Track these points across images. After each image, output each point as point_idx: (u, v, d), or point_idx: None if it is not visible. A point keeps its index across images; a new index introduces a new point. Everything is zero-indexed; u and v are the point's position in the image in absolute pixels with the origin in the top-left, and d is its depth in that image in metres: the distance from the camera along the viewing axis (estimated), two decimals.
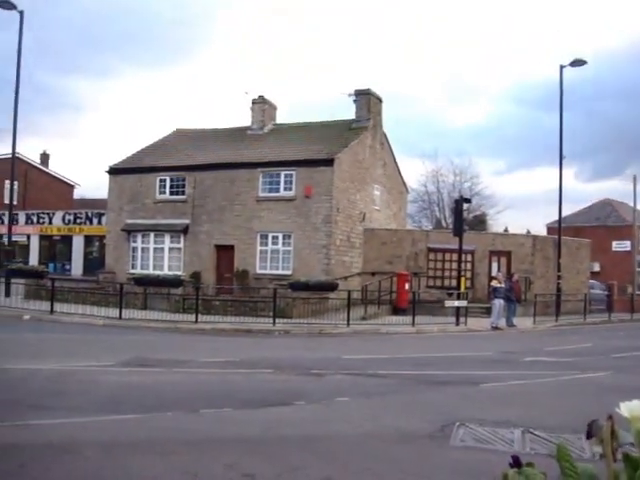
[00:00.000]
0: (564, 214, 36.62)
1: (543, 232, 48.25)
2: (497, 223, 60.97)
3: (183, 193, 34.44)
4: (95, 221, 42.75)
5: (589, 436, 1.50)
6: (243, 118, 49.76)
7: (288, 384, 12.07)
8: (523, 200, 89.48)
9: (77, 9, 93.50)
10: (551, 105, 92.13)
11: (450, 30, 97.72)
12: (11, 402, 8.72)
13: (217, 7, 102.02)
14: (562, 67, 33.14)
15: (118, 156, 39.25)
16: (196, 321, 23.58)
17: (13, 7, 22.89)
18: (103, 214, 40.10)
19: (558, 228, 34.43)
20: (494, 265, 34.62)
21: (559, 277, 33.00)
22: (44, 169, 54.50)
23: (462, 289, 27.92)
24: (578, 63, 32.86)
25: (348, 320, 24.86)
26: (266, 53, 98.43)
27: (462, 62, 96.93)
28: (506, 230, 51.72)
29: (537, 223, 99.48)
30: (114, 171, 36.57)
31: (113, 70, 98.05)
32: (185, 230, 34.20)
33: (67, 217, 43.97)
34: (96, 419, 8.36)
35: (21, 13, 23.12)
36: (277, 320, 24.24)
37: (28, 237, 44.38)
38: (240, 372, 13.28)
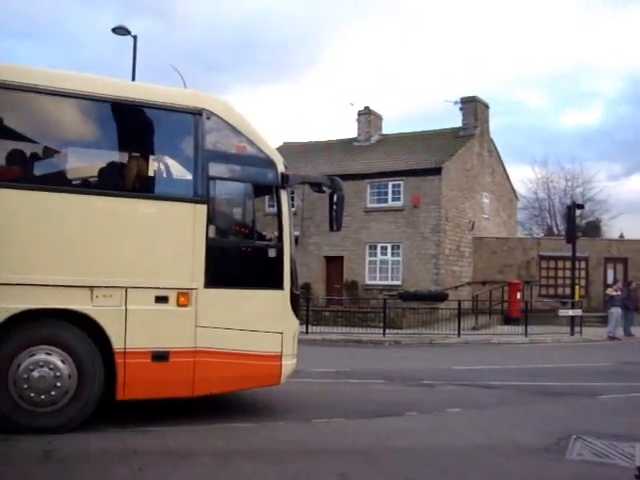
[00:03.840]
0: None
1: None
2: (612, 229, 58.96)
3: (292, 206, 34.68)
4: None
5: None
6: (349, 130, 49.95)
7: (399, 395, 12.03)
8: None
9: (194, 33, 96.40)
10: None
11: (558, 31, 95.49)
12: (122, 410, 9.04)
13: (324, 28, 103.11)
14: None
15: None
16: (306, 332, 23.82)
17: (127, 32, 23.76)
18: None
19: None
20: (610, 272, 33.59)
21: None
22: None
23: (576, 297, 27.19)
24: None
25: (459, 330, 24.60)
26: (371, 64, 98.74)
27: (573, 64, 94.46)
28: (622, 236, 49.87)
29: None
30: None
31: (229, 88, 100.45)
32: (295, 242, 34.47)
33: None
34: (211, 427, 8.57)
35: (135, 38, 23.96)
36: (387, 330, 24.26)
37: None
38: (351, 382, 13.34)
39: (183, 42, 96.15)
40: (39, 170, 8.67)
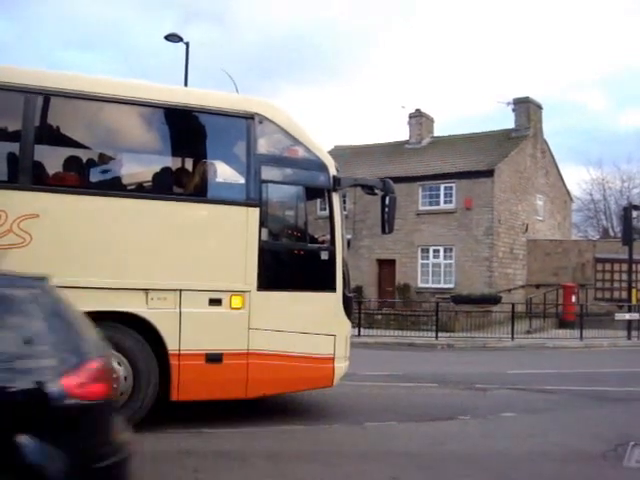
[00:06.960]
0: None
1: None
2: None
3: (344, 208, 34.63)
4: None
5: None
6: (401, 132, 49.70)
7: (452, 398, 11.95)
8: None
9: (248, 39, 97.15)
10: None
11: (615, 31, 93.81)
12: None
13: (374, 31, 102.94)
14: None
15: None
16: (359, 335, 23.79)
17: (179, 40, 24.11)
18: None
19: None
20: None
21: None
22: None
23: (633, 301, 26.68)
24: None
25: (512, 334, 24.34)
26: (422, 67, 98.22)
27: (630, 64, 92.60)
28: None
29: None
30: None
31: (281, 91, 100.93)
32: (347, 245, 34.46)
33: None
34: (264, 429, 8.62)
35: (187, 45, 24.29)
36: (440, 334, 24.12)
37: None
38: (404, 386, 13.28)
39: (239, 48, 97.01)
40: (96, 175, 8.86)
